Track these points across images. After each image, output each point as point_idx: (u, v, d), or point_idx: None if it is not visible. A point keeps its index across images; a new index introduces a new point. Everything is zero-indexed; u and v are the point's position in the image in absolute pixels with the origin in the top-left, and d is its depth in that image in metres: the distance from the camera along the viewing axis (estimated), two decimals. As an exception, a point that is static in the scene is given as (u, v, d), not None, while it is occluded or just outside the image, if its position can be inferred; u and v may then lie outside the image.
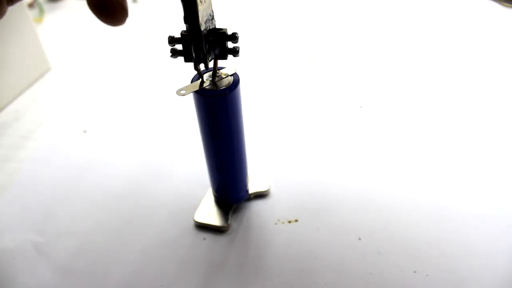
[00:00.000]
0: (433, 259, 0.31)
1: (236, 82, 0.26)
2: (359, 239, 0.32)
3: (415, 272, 0.30)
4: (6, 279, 0.31)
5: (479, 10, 0.61)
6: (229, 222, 0.33)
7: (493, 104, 0.44)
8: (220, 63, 0.26)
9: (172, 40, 0.24)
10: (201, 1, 0.22)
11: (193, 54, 0.24)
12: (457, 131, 0.41)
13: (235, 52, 0.25)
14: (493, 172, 0.37)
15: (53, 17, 0.65)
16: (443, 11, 0.62)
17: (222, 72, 0.27)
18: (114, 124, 0.44)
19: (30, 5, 0.64)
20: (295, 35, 0.58)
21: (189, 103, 0.45)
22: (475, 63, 0.51)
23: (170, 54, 0.25)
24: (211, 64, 0.25)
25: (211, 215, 0.33)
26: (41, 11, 0.64)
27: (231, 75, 0.26)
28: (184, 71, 0.51)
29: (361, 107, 0.45)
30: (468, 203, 0.34)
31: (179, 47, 0.25)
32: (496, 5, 0.62)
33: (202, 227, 0.33)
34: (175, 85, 0.50)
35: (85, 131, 0.43)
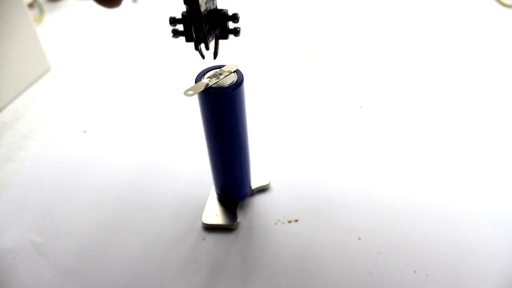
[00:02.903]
0: (433, 259, 0.31)
1: (240, 78, 0.26)
2: (359, 239, 0.32)
3: (415, 272, 0.30)
4: (6, 279, 0.31)
5: (479, 9, 0.61)
6: (238, 220, 0.33)
7: (493, 103, 0.44)
8: (221, 62, 0.26)
9: (173, 21, 0.24)
10: None
11: (194, 35, 0.24)
12: (458, 131, 0.41)
13: (236, 32, 0.25)
14: (493, 172, 0.37)
15: (53, 17, 0.65)
16: (443, 11, 0.62)
17: (225, 69, 0.27)
18: (114, 124, 0.44)
19: (30, 5, 0.64)
20: (295, 35, 0.58)
21: (189, 102, 0.46)
22: (475, 63, 0.51)
23: (172, 34, 0.25)
24: (212, 53, 0.25)
25: (218, 215, 0.33)
26: (41, 11, 0.64)
27: (234, 72, 0.27)
28: (184, 71, 0.51)
29: (361, 107, 0.45)
30: (469, 203, 0.34)
31: (180, 27, 0.25)
32: (496, 5, 0.62)
33: (208, 228, 0.33)
34: (175, 85, 0.51)
35: (85, 131, 0.43)
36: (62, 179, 0.38)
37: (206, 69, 0.27)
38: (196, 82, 0.26)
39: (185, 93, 0.25)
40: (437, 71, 0.50)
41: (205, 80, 0.26)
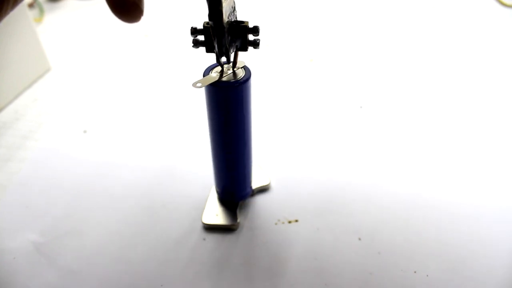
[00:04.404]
0: (433, 259, 0.31)
1: (248, 74, 0.27)
2: (359, 239, 0.32)
3: (415, 272, 0.30)
4: (6, 279, 0.31)
5: (479, 9, 0.61)
6: (238, 220, 0.33)
7: (493, 103, 0.44)
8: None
9: (194, 31, 0.25)
10: None
11: (216, 48, 0.24)
12: (458, 131, 0.41)
13: (255, 44, 0.25)
14: (494, 172, 0.37)
15: (53, 17, 0.65)
16: (443, 11, 0.62)
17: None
18: (114, 124, 0.44)
19: (30, 5, 0.64)
20: (295, 35, 0.58)
21: (189, 102, 0.46)
22: (475, 63, 0.51)
23: (192, 44, 0.25)
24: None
25: (218, 215, 0.33)
26: (41, 11, 0.64)
27: (241, 68, 0.27)
28: (184, 71, 0.51)
29: (361, 107, 0.45)
30: (469, 203, 0.34)
31: (200, 37, 0.25)
32: (496, 5, 0.62)
33: (208, 228, 0.33)
34: (175, 85, 0.50)
35: (85, 131, 0.43)
36: (62, 179, 0.38)
37: (214, 64, 0.27)
38: (204, 76, 0.27)
39: (194, 85, 0.25)
40: (437, 71, 0.50)
41: (213, 74, 0.26)
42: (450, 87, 0.47)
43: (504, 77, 0.48)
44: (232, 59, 0.26)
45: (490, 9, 0.61)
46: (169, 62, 0.53)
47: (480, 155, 0.39)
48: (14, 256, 0.32)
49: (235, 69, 0.27)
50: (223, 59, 0.25)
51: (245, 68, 0.27)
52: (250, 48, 0.26)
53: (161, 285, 0.30)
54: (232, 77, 0.26)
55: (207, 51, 0.25)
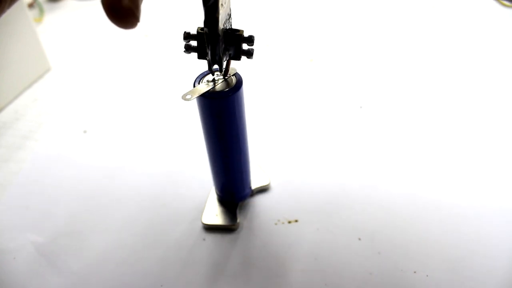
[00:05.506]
0: (433, 259, 0.31)
1: (240, 81, 0.26)
2: (359, 239, 0.32)
3: (415, 272, 0.30)
4: (6, 279, 0.31)
5: (479, 9, 0.61)
6: (238, 220, 0.33)
7: (493, 104, 0.44)
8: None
9: (187, 36, 0.24)
10: (222, 5, 0.22)
11: (209, 56, 0.24)
12: (458, 130, 0.41)
13: (249, 54, 0.25)
14: (494, 172, 0.37)
15: (53, 17, 0.65)
16: (443, 11, 0.62)
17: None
18: (114, 124, 0.44)
19: (30, 5, 0.64)
20: (295, 35, 0.58)
21: (189, 103, 0.45)
22: (475, 63, 0.51)
23: (184, 49, 0.25)
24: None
25: (218, 215, 0.33)
26: (41, 11, 0.64)
27: (233, 75, 0.27)
28: (184, 71, 0.51)
29: (361, 107, 0.45)
30: (469, 203, 0.34)
31: (193, 43, 0.25)
32: (496, 5, 0.62)
33: (208, 228, 0.33)
34: (175, 85, 0.50)
35: (85, 131, 0.43)
36: (62, 179, 0.38)
37: (205, 72, 0.27)
38: (194, 86, 0.26)
39: (183, 97, 0.25)
40: (437, 71, 0.50)
41: (203, 84, 0.26)
42: (450, 88, 0.47)
43: (504, 77, 0.48)
44: (224, 67, 0.25)
45: (490, 9, 0.61)
46: (169, 63, 0.53)
47: (480, 155, 0.38)
48: (14, 256, 0.32)
49: (226, 77, 0.26)
50: (215, 66, 0.25)
51: (236, 75, 0.27)
52: (244, 58, 0.25)
53: (161, 285, 0.30)
54: (223, 86, 0.26)
55: (199, 57, 0.25)
